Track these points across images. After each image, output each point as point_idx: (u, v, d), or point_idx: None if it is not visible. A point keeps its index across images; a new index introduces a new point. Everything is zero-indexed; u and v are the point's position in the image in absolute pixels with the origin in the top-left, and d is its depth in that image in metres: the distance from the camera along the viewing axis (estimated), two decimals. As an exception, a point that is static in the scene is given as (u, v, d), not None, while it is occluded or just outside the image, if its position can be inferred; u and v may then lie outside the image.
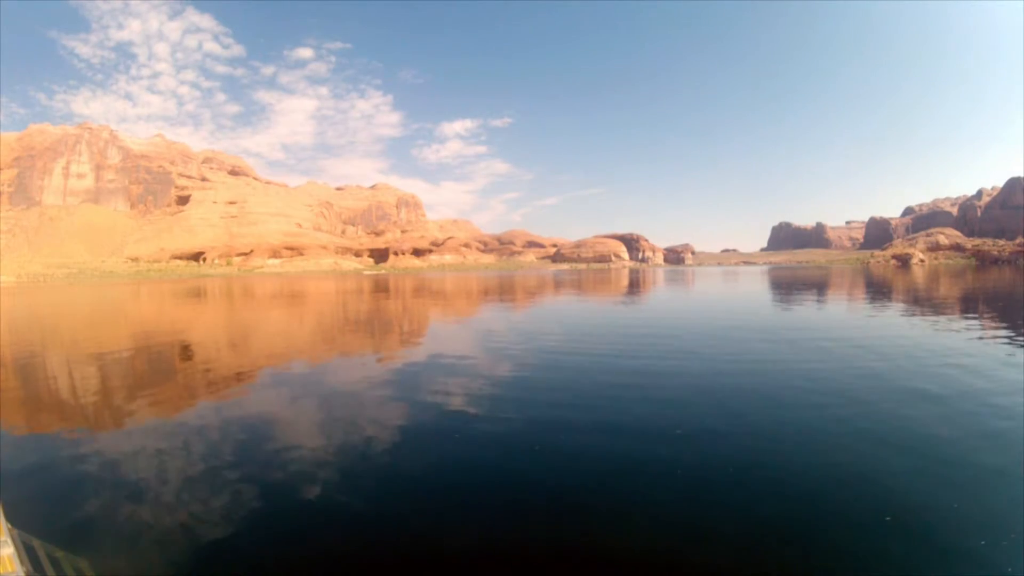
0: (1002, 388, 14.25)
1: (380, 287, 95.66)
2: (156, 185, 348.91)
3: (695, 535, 7.35)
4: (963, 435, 10.85)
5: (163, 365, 22.24)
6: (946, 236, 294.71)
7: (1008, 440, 10.51)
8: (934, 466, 9.40)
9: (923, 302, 44.32)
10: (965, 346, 20.89)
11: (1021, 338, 22.60)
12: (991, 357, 18.50)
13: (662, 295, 62.46)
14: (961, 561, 6.56)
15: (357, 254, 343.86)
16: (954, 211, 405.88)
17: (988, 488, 8.55)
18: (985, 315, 33.34)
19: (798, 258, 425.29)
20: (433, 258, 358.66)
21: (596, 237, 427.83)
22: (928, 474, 9.13)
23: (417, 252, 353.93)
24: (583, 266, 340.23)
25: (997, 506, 7.95)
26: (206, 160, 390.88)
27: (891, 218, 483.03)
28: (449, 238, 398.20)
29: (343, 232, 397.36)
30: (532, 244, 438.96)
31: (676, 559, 6.82)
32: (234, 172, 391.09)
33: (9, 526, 5.94)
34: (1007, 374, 15.87)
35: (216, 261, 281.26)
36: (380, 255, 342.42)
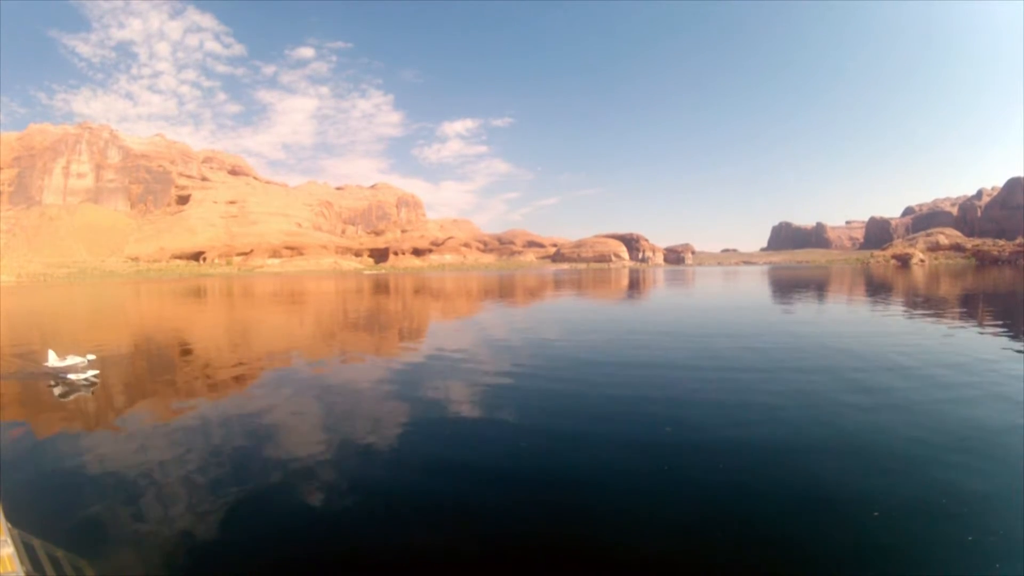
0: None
1: (380, 287, 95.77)
2: (156, 185, 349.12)
3: (685, 529, 7.42)
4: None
5: (165, 364, 22.33)
6: (946, 236, 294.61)
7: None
8: (924, 463, 9.48)
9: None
10: None
11: None
12: None
13: (660, 299, 62.50)
14: (951, 557, 6.64)
15: (357, 254, 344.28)
16: (954, 211, 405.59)
17: (977, 486, 8.63)
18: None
19: (798, 258, 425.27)
20: (433, 258, 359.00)
21: (596, 237, 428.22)
22: (916, 471, 9.24)
23: (417, 252, 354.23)
24: (583, 266, 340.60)
25: (986, 504, 8.02)
26: (206, 160, 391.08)
27: (891, 218, 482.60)
28: (449, 238, 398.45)
29: (343, 232, 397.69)
30: (532, 244, 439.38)
31: (668, 553, 6.92)
32: (234, 172, 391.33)
33: (9, 526, 6.00)
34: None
35: (216, 261, 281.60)
36: (380, 255, 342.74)
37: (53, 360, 17.91)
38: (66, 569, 6.23)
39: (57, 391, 16.49)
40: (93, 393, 16.14)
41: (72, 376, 17.36)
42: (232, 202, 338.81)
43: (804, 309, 41.04)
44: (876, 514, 7.63)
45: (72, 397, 15.84)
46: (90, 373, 17.62)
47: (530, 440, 11.35)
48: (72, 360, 17.85)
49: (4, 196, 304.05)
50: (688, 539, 7.29)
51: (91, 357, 18.57)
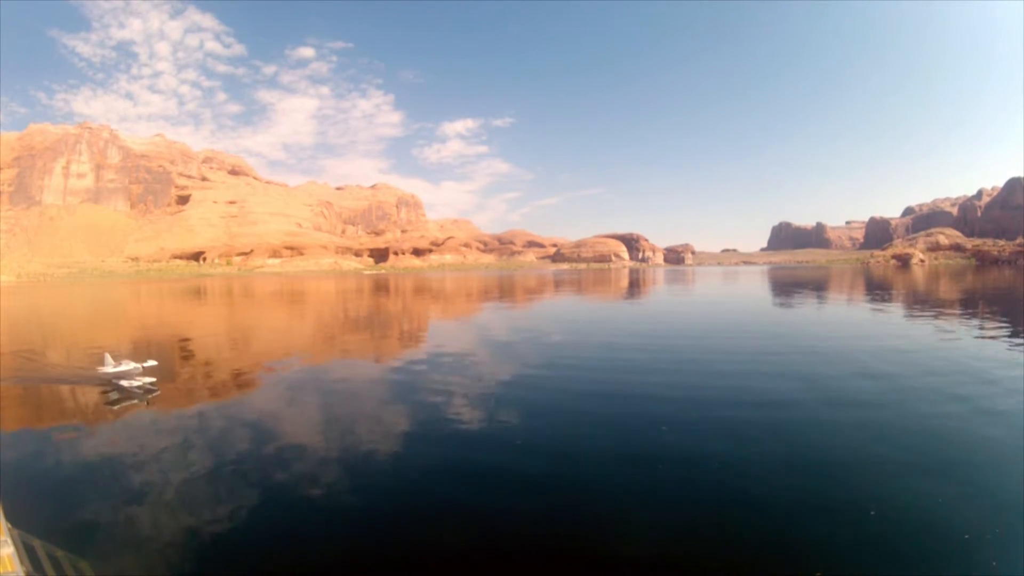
0: None
1: (380, 287, 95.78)
2: (156, 185, 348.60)
3: (679, 527, 7.44)
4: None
5: (166, 365, 22.33)
6: (946, 236, 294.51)
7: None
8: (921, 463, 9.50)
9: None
10: None
11: None
12: None
13: (660, 300, 62.52)
14: (947, 556, 6.65)
15: (357, 254, 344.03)
16: (954, 211, 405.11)
17: (974, 485, 8.64)
18: None
19: (798, 258, 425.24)
20: (433, 258, 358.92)
21: (596, 237, 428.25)
22: (913, 470, 9.24)
23: (417, 252, 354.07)
24: (583, 266, 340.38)
25: (984, 503, 8.03)
26: (206, 160, 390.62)
27: (891, 218, 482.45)
28: (449, 238, 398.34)
29: (343, 232, 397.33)
30: (532, 244, 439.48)
31: (659, 549, 6.92)
32: (234, 172, 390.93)
33: (9, 526, 6.03)
34: None
35: (216, 261, 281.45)
36: (380, 255, 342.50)
37: (108, 365, 17.08)
38: (66, 569, 6.25)
39: (111, 396, 15.91)
40: (148, 403, 15.27)
41: (125, 383, 16.56)
42: (232, 202, 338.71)
43: (800, 309, 41.06)
44: (873, 513, 7.65)
45: (123, 404, 15.13)
46: (145, 380, 16.66)
47: (528, 440, 11.38)
48: (127, 366, 16.92)
49: (4, 196, 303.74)
50: (685, 540, 7.31)
51: (150, 363, 17.54)
